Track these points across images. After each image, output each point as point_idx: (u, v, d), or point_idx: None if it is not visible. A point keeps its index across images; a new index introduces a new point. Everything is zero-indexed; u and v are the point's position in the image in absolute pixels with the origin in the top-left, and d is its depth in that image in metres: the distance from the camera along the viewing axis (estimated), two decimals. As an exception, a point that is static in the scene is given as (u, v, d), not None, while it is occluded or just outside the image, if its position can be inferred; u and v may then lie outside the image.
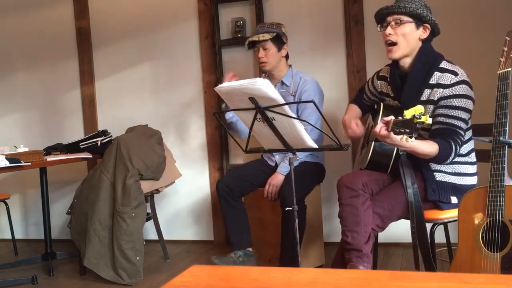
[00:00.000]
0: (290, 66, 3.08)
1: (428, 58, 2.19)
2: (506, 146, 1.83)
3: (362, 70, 3.40)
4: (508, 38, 1.97)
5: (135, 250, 2.98)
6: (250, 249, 2.96)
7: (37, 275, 3.12)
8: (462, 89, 2.10)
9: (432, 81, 2.15)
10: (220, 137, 3.74)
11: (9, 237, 3.95)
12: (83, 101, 4.09)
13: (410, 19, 2.16)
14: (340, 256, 2.24)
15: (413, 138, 1.78)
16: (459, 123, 2.08)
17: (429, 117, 2.09)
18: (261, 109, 2.06)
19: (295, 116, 2.09)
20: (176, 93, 3.86)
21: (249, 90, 2.02)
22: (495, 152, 1.84)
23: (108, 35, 4.01)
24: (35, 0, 4.17)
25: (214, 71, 3.71)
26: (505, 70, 1.90)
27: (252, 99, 2.04)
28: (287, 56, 3.06)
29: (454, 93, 2.09)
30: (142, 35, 3.91)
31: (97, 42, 4.04)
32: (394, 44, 2.19)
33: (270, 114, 2.08)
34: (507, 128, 1.84)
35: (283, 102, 2.01)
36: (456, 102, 2.09)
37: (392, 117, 1.85)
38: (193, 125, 3.84)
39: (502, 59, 1.94)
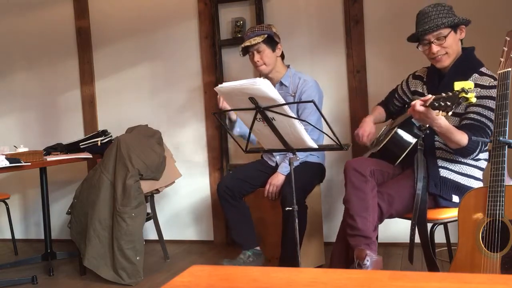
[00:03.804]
0: (288, 66, 3.07)
1: (469, 62, 2.26)
2: (506, 146, 1.83)
3: (362, 70, 3.40)
4: (508, 38, 1.97)
5: (135, 250, 2.97)
6: (258, 247, 2.96)
7: (37, 275, 3.12)
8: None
9: (470, 81, 2.18)
10: (220, 137, 3.74)
11: (9, 237, 3.95)
12: (83, 101, 4.09)
13: (449, 29, 2.23)
14: (341, 250, 2.23)
15: (450, 113, 1.78)
16: (490, 124, 2.11)
17: (463, 112, 2.13)
18: (261, 109, 2.06)
19: (295, 116, 2.09)
20: (176, 93, 3.86)
21: (249, 90, 2.02)
22: (495, 152, 1.84)
23: (108, 35, 4.01)
24: (35, 0, 4.17)
25: (214, 71, 3.71)
26: (505, 70, 1.90)
27: (252, 99, 2.04)
28: (282, 57, 3.04)
29: (490, 95, 2.12)
30: (142, 35, 3.91)
31: (97, 42, 4.04)
32: (444, 54, 2.26)
33: (270, 114, 2.08)
34: (507, 128, 1.84)
35: (283, 102, 2.01)
36: (491, 104, 2.11)
37: (431, 95, 1.86)
38: (193, 125, 3.84)
39: (502, 59, 1.94)
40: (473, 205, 1.86)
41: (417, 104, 1.91)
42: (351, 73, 3.43)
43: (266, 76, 3.00)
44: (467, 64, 2.26)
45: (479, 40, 3.14)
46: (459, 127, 2.12)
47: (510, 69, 1.89)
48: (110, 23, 3.99)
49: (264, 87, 1.97)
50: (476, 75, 2.20)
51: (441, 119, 1.92)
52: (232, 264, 2.84)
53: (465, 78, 2.19)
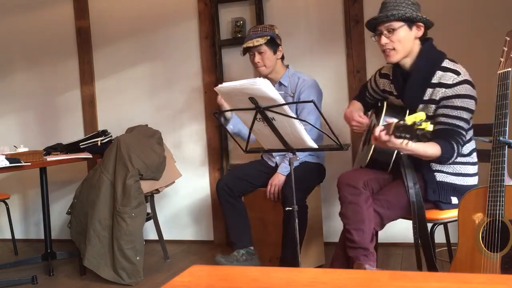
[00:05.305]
0: (287, 66, 3.07)
1: (430, 57, 2.19)
2: (506, 146, 1.83)
3: (362, 70, 3.40)
4: (508, 38, 1.97)
5: (135, 250, 2.98)
6: (252, 248, 2.96)
7: (37, 275, 3.12)
8: (464, 89, 2.08)
9: (434, 80, 2.14)
10: (220, 137, 3.74)
11: (9, 237, 3.95)
12: (83, 101, 4.09)
13: (402, 23, 2.15)
14: (342, 254, 2.23)
15: (414, 143, 1.77)
16: (461, 123, 2.08)
17: (431, 116, 2.11)
18: (261, 109, 2.06)
19: (294, 116, 2.09)
20: (176, 93, 3.86)
21: (249, 90, 2.02)
22: (495, 152, 1.84)
23: (108, 35, 4.01)
24: (35, 0, 4.17)
25: (214, 71, 3.71)
26: (505, 70, 1.90)
27: (252, 99, 2.04)
28: (282, 57, 3.04)
29: (456, 93, 2.08)
30: (142, 35, 3.91)
31: (97, 42, 4.04)
32: (392, 49, 2.19)
33: (270, 114, 2.08)
34: (507, 128, 1.84)
35: (283, 102, 2.01)
36: (458, 102, 2.08)
37: (393, 120, 1.82)
38: (193, 125, 3.84)
39: (502, 59, 1.94)
40: (473, 205, 1.87)
41: (382, 135, 1.84)
42: (351, 73, 3.43)
43: (265, 76, 3.01)
44: (428, 60, 2.18)
45: (479, 40, 3.15)
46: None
47: (510, 69, 1.89)
48: (110, 23, 3.99)
49: (264, 87, 1.97)
50: (440, 72, 2.13)
51: (408, 145, 1.83)
52: (225, 260, 2.84)
53: (429, 77, 2.14)
